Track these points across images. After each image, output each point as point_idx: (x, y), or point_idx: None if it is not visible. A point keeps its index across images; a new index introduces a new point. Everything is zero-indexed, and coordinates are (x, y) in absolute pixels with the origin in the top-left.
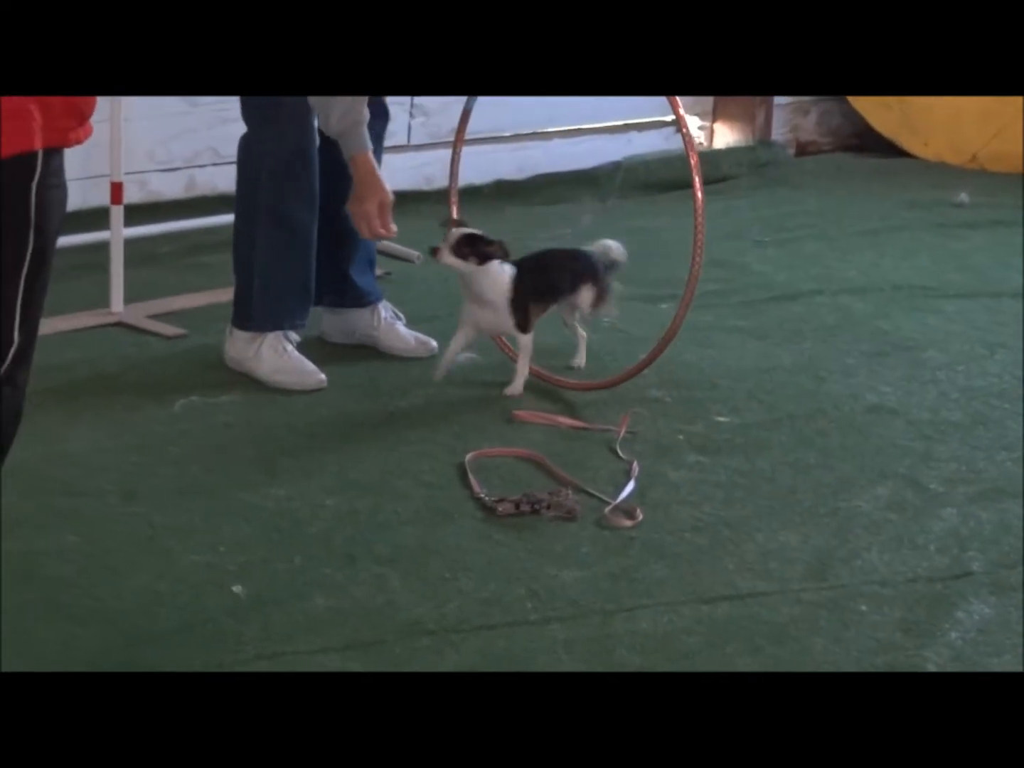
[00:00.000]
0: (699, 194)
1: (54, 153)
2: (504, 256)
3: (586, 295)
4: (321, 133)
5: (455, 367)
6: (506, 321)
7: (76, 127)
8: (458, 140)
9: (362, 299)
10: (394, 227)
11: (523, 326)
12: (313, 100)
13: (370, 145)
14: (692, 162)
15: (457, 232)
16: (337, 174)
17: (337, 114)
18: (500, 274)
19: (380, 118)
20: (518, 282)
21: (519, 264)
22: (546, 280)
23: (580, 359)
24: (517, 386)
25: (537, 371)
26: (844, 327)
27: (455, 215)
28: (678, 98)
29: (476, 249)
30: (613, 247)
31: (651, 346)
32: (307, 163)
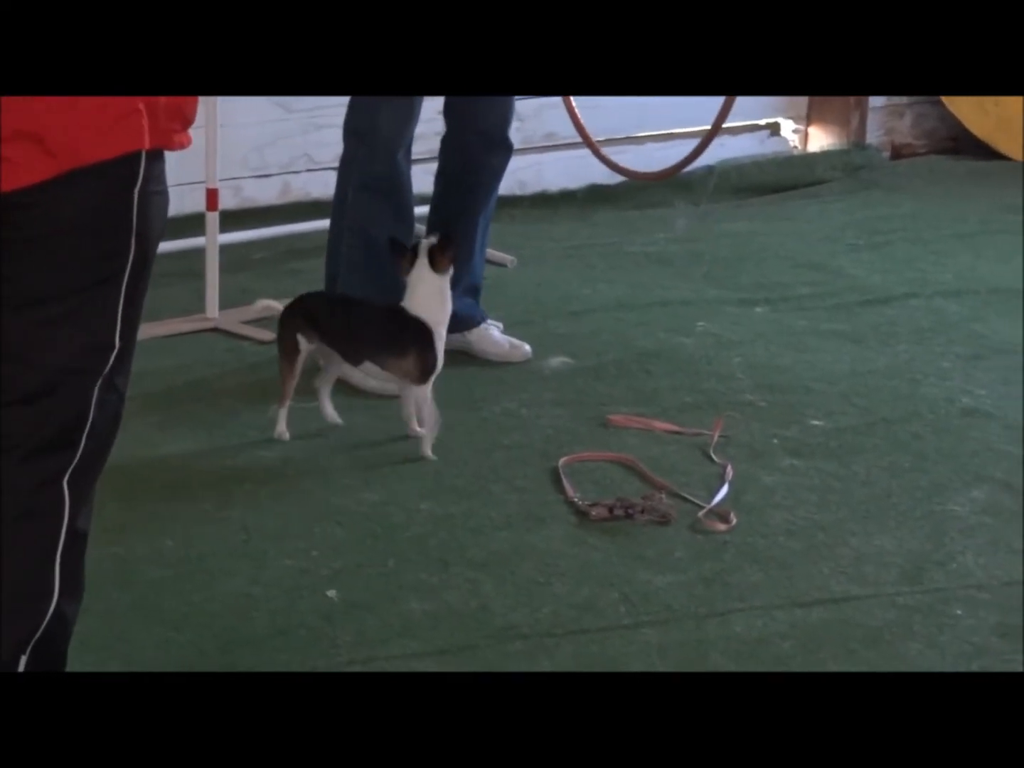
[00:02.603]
0: None
1: (157, 157)
2: None
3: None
4: (444, 161)
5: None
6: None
7: (180, 130)
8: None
9: (466, 324)
10: None
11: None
12: None
13: None
14: None
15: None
16: (449, 197)
17: None
18: None
19: (501, 152)
20: None
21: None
22: None
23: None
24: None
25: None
26: (939, 330)
27: None
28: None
29: None
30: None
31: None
32: (397, 186)
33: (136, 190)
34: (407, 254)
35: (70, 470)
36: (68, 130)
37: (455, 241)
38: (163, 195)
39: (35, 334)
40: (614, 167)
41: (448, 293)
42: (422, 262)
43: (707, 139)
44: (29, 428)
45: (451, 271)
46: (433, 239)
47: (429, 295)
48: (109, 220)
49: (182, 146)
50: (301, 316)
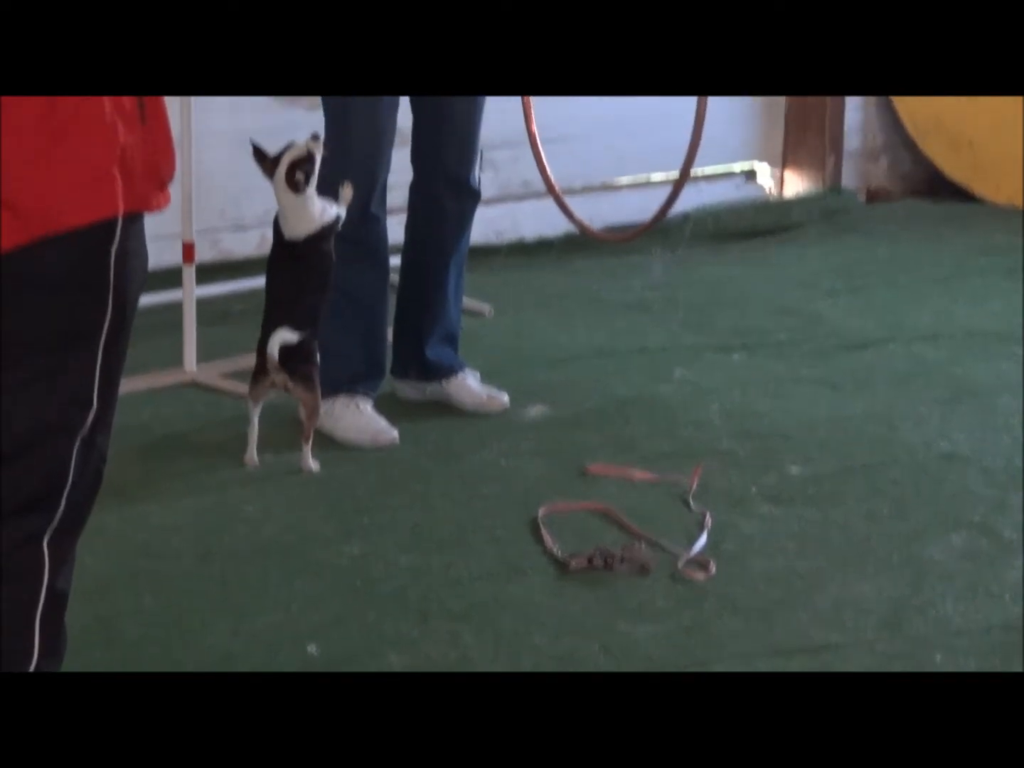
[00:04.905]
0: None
1: (135, 219)
2: None
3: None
4: (413, 208)
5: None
6: None
7: (156, 192)
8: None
9: (444, 374)
10: None
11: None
12: None
13: None
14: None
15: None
16: (417, 245)
17: None
18: None
19: (467, 198)
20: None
21: None
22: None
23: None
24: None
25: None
26: (916, 374)
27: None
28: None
29: None
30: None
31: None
32: (371, 236)
33: (113, 251)
34: (267, 161)
35: (50, 530)
36: (40, 197)
37: (313, 160)
38: (141, 255)
39: (10, 394)
40: (582, 227)
41: (314, 210)
42: (279, 176)
43: (671, 198)
44: (7, 488)
45: (308, 190)
46: (298, 151)
47: (288, 209)
48: (84, 281)
49: (160, 207)
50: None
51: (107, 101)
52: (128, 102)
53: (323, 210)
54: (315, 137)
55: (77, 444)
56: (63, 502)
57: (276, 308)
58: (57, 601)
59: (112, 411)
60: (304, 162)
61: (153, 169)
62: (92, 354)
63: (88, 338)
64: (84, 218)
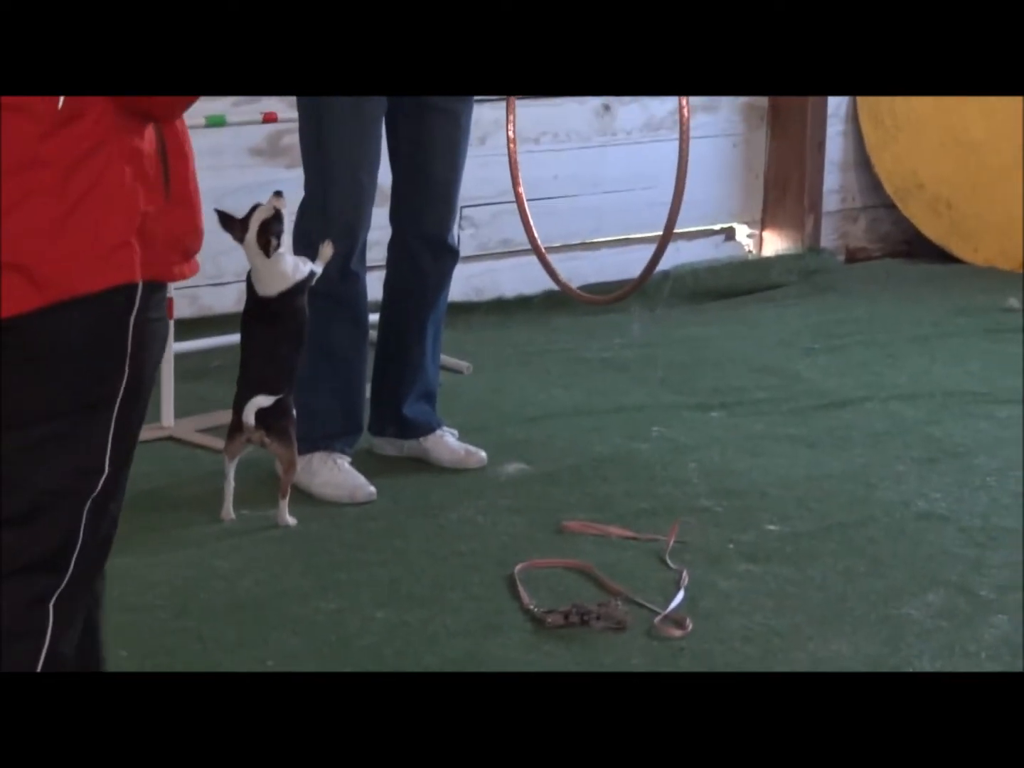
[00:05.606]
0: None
1: (156, 287)
2: None
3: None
4: (391, 265)
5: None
6: None
7: (180, 262)
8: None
9: (422, 431)
10: None
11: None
12: None
13: None
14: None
15: None
16: (395, 302)
17: None
18: None
19: (446, 257)
20: None
21: None
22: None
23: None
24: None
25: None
26: (894, 434)
27: None
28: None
29: None
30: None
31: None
32: (350, 293)
33: (132, 318)
34: (235, 225)
35: (57, 593)
36: (55, 263)
37: (280, 218)
38: (162, 322)
39: (21, 456)
40: (567, 290)
41: (286, 267)
42: (250, 239)
43: (653, 260)
44: (16, 549)
45: (280, 248)
46: (266, 211)
47: (260, 269)
48: (101, 346)
49: (183, 276)
50: None
51: (127, 168)
52: (152, 169)
53: (295, 267)
54: (278, 194)
55: (87, 508)
56: (72, 566)
57: (251, 365)
58: (56, 664)
59: (125, 478)
60: (273, 222)
61: (175, 240)
62: (105, 419)
63: (102, 404)
64: (98, 284)
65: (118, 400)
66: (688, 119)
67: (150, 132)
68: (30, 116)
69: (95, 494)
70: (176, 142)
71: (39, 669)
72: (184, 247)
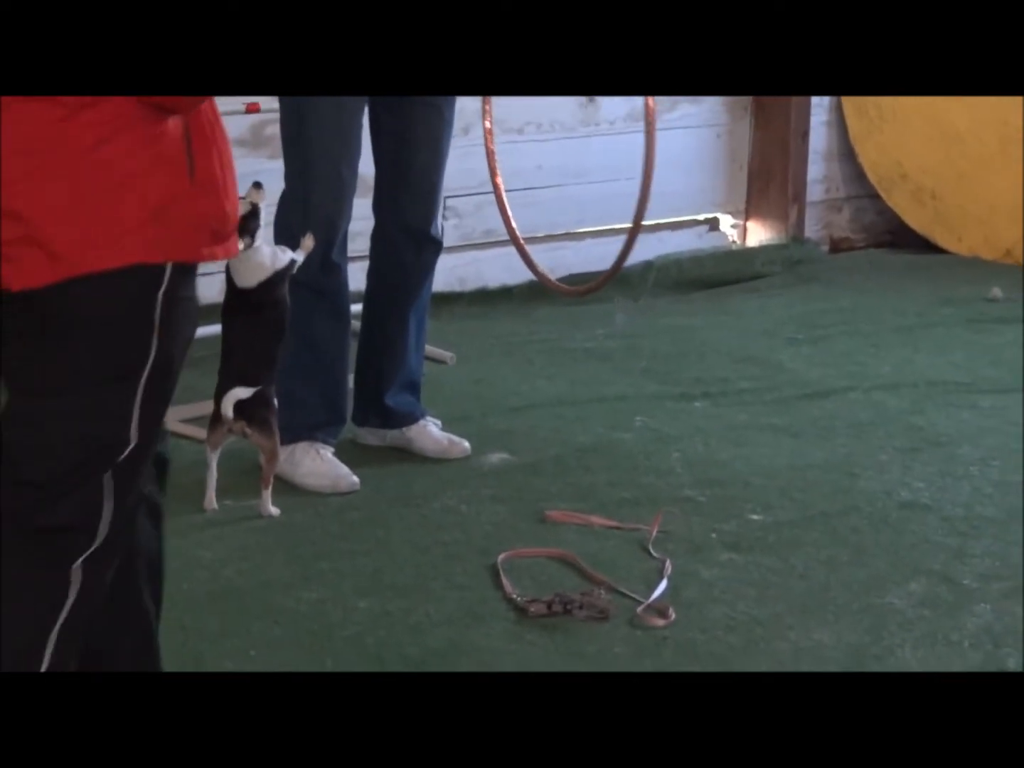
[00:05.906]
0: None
1: (185, 267)
2: None
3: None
4: (374, 256)
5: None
6: None
7: (209, 244)
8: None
9: (405, 421)
10: None
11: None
12: None
13: None
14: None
15: None
16: (378, 293)
17: None
18: None
19: (428, 248)
20: None
21: None
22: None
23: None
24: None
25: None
26: (877, 423)
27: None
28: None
29: None
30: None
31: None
32: (331, 283)
33: (160, 293)
34: None
35: (83, 557)
36: (72, 240)
37: (257, 212)
38: (192, 302)
39: (46, 423)
40: (544, 280)
41: (264, 258)
42: None
43: (624, 251)
44: (37, 510)
45: (256, 241)
46: (243, 206)
47: (239, 261)
48: (122, 322)
49: (215, 258)
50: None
51: (146, 152)
52: (176, 153)
53: (274, 256)
54: (257, 186)
55: (112, 476)
56: (96, 532)
57: (232, 356)
58: (78, 626)
59: (151, 451)
60: (249, 218)
61: (201, 222)
62: (131, 391)
63: (129, 375)
64: (114, 262)
65: (145, 373)
66: (654, 111)
67: (175, 118)
68: (55, 100)
69: (119, 463)
70: (200, 128)
71: (57, 629)
72: (212, 229)
